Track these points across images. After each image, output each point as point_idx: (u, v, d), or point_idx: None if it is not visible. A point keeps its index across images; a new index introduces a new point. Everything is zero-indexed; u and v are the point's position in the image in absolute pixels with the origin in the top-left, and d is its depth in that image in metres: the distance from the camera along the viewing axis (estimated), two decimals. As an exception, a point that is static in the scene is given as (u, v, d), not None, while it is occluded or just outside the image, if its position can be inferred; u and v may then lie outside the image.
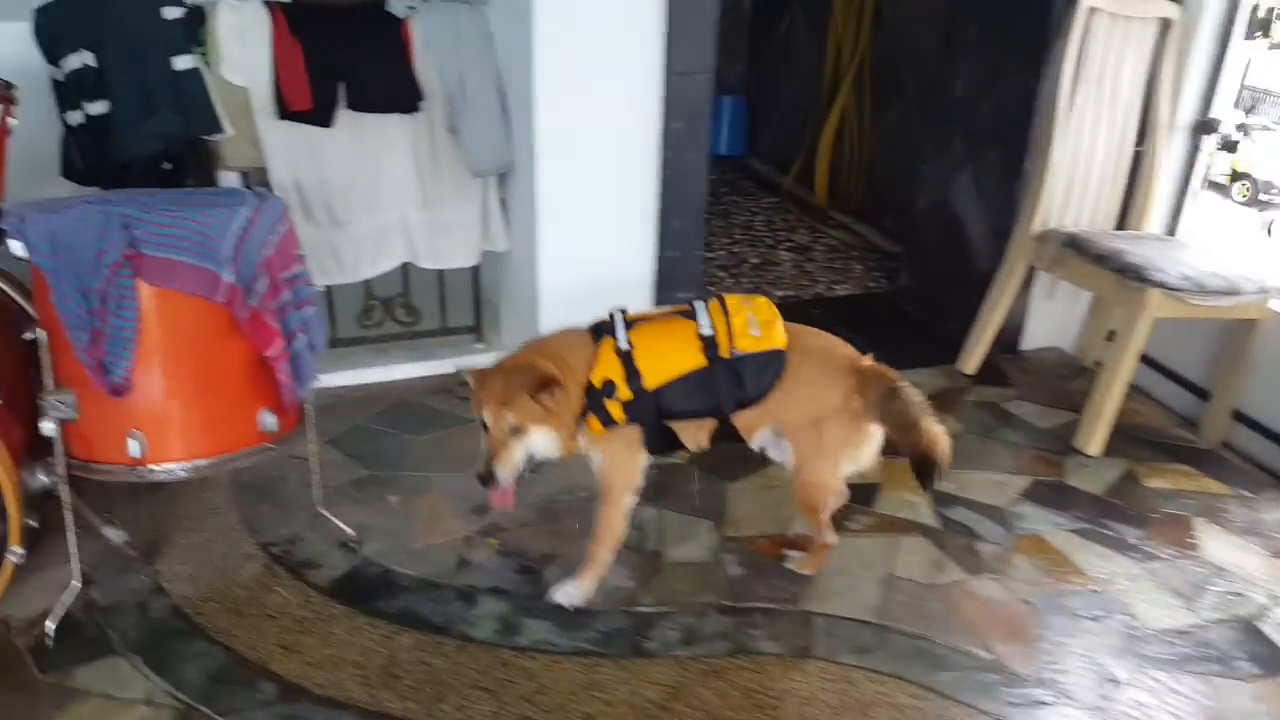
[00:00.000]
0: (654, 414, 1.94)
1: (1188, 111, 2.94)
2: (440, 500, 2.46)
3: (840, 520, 2.43)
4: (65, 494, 1.93)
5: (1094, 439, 2.74)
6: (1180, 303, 2.56)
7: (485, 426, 1.87)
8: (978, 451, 2.78)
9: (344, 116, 2.54)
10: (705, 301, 2.00)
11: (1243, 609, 2.19)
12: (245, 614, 2.05)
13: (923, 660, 2.00)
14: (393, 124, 2.61)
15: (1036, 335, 3.35)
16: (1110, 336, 3.24)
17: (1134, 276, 2.56)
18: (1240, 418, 2.83)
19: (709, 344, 1.92)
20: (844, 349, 2.03)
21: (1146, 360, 3.08)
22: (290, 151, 2.54)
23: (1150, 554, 2.36)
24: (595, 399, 1.90)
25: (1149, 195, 2.95)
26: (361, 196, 2.66)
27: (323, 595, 2.12)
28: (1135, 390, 3.02)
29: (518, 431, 1.85)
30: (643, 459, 2.03)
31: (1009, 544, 2.38)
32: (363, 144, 2.60)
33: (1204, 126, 2.93)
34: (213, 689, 1.84)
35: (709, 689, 1.89)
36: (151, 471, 1.91)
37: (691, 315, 1.97)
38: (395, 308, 2.96)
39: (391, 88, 2.53)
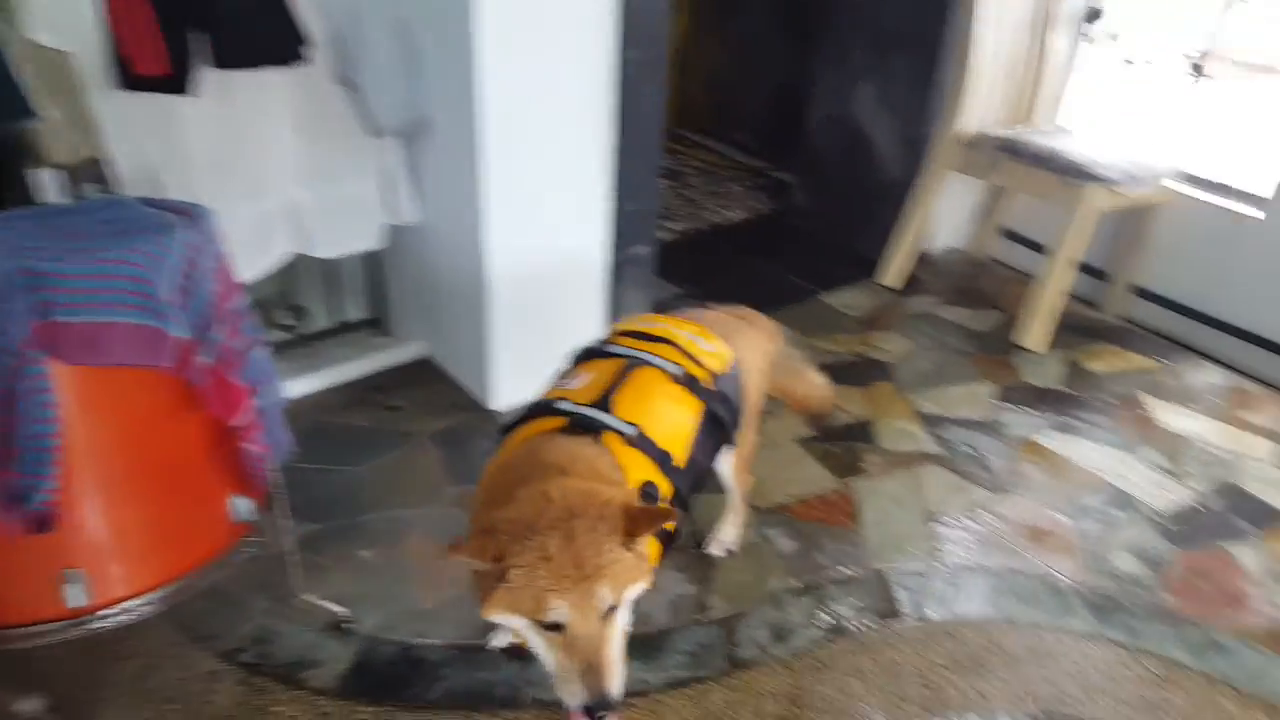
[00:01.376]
0: (690, 492, 1.52)
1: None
2: (423, 543, 2.02)
3: (855, 465, 2.34)
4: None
5: (1038, 335, 2.83)
6: (1116, 195, 2.65)
7: (552, 626, 1.18)
8: (938, 365, 2.79)
9: (205, 77, 1.90)
10: (612, 342, 1.65)
11: (1223, 473, 2.37)
12: (251, 755, 1.57)
13: (1014, 594, 1.98)
14: (268, 81, 1.99)
15: (938, 238, 3.39)
16: (1003, 231, 3.37)
17: (1076, 175, 2.61)
18: (1141, 293, 3.04)
19: (689, 383, 1.56)
20: (732, 312, 1.87)
21: (1035, 247, 3.22)
22: (137, 131, 1.86)
23: (1125, 439, 2.49)
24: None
25: (1040, 87, 3.01)
26: (235, 179, 2.03)
27: (337, 699, 1.68)
28: (1026, 277, 3.16)
29: (612, 611, 1.21)
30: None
31: (1011, 455, 2.41)
32: (232, 111, 1.97)
33: (1090, 15, 3.02)
34: None
35: (827, 685, 1.74)
36: (102, 618, 1.36)
37: (629, 362, 1.56)
38: (275, 310, 2.36)
39: (268, 33, 1.90)
